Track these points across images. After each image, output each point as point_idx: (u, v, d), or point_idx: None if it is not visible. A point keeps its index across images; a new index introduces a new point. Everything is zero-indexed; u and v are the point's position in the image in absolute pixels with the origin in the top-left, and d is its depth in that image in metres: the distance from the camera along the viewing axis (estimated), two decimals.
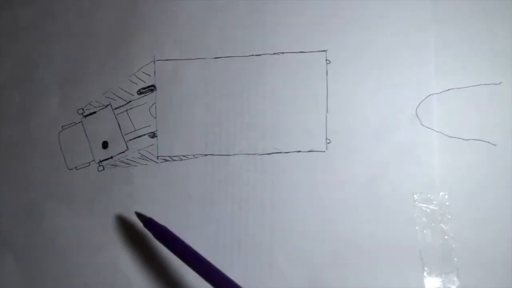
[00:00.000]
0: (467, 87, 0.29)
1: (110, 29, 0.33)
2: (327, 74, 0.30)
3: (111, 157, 0.32)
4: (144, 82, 0.32)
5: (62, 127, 0.33)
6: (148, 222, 0.29)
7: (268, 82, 0.31)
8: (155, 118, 0.32)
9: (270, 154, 0.30)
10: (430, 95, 0.29)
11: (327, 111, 0.30)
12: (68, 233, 0.32)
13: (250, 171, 0.31)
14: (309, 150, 0.30)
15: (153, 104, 0.32)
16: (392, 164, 0.29)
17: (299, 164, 0.30)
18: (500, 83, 0.29)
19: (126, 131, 0.32)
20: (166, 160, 0.32)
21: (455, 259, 0.28)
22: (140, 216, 0.29)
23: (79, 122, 0.33)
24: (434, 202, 0.28)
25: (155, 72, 0.32)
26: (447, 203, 0.28)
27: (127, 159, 0.32)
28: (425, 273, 0.28)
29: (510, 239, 0.27)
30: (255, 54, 0.31)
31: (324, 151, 0.30)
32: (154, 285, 0.30)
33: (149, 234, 0.29)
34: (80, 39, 0.34)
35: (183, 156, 0.31)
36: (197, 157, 0.31)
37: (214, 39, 0.32)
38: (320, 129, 0.30)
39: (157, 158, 0.32)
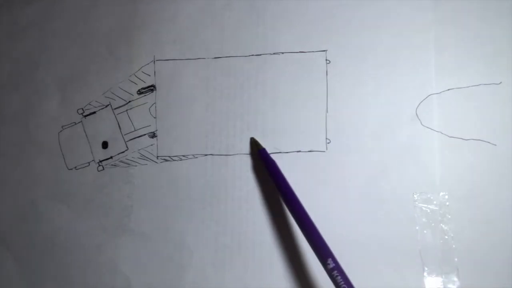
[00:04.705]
0: (467, 87, 0.29)
1: (110, 29, 0.33)
2: (327, 74, 0.30)
3: (111, 157, 0.32)
4: (144, 82, 0.32)
5: (62, 127, 0.33)
6: (262, 152, 0.30)
7: (268, 82, 0.31)
8: (155, 118, 0.32)
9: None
10: (430, 95, 0.29)
11: (327, 111, 0.30)
12: (68, 233, 0.32)
13: (250, 171, 0.31)
14: (309, 150, 0.30)
15: (153, 104, 0.32)
16: (392, 164, 0.29)
17: (299, 164, 0.30)
18: (500, 83, 0.29)
19: (126, 131, 0.32)
20: (166, 160, 0.32)
21: (455, 259, 0.28)
22: (255, 144, 0.30)
23: (79, 122, 0.33)
24: (434, 202, 0.28)
25: (155, 72, 0.32)
26: (447, 203, 0.28)
27: (127, 159, 0.32)
28: (425, 273, 0.28)
29: (510, 239, 0.27)
30: (255, 54, 0.31)
31: (324, 151, 0.30)
32: (154, 285, 0.30)
33: None
34: (80, 39, 0.34)
35: (183, 156, 0.31)
36: (197, 157, 0.31)
37: (214, 39, 0.32)
38: (320, 129, 0.30)
39: (157, 158, 0.32)
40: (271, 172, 0.29)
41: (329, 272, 0.24)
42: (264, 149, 0.30)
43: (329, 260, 0.24)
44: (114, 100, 0.33)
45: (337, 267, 0.24)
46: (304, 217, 0.26)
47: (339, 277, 0.23)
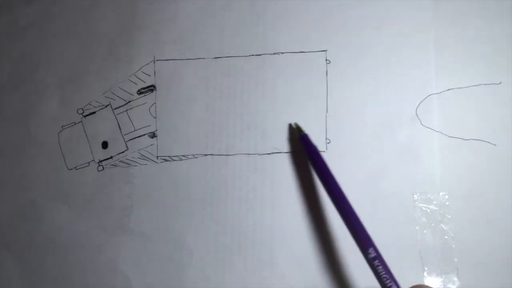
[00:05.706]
0: (467, 87, 0.29)
1: (110, 29, 0.33)
2: (327, 74, 0.30)
3: (111, 157, 0.32)
4: (144, 82, 0.32)
5: (62, 127, 0.33)
6: (303, 137, 0.29)
7: (268, 82, 0.31)
8: (155, 118, 0.32)
9: (270, 154, 0.30)
10: (430, 95, 0.29)
11: (327, 111, 0.30)
12: (68, 233, 0.32)
13: (250, 171, 0.31)
14: None
15: (153, 104, 0.32)
16: (392, 164, 0.29)
17: (299, 164, 0.30)
18: (500, 83, 0.29)
19: (126, 131, 0.32)
20: (166, 160, 0.32)
21: (455, 259, 0.28)
22: (298, 129, 0.30)
23: (79, 122, 0.33)
24: (434, 202, 0.28)
25: (155, 72, 0.32)
26: (447, 203, 0.28)
27: (127, 159, 0.32)
28: (425, 273, 0.28)
29: (510, 239, 0.27)
30: (255, 54, 0.31)
31: (324, 151, 0.30)
32: (154, 285, 0.30)
33: None
34: (80, 39, 0.34)
35: (183, 156, 0.31)
36: (197, 157, 0.31)
37: (214, 39, 0.32)
38: (320, 129, 0.30)
39: (157, 158, 0.32)
40: (313, 158, 0.28)
41: (370, 262, 0.24)
42: (306, 135, 0.29)
43: (371, 250, 0.24)
44: (114, 100, 0.33)
45: (379, 256, 0.24)
46: (346, 206, 0.26)
47: (380, 267, 0.24)
